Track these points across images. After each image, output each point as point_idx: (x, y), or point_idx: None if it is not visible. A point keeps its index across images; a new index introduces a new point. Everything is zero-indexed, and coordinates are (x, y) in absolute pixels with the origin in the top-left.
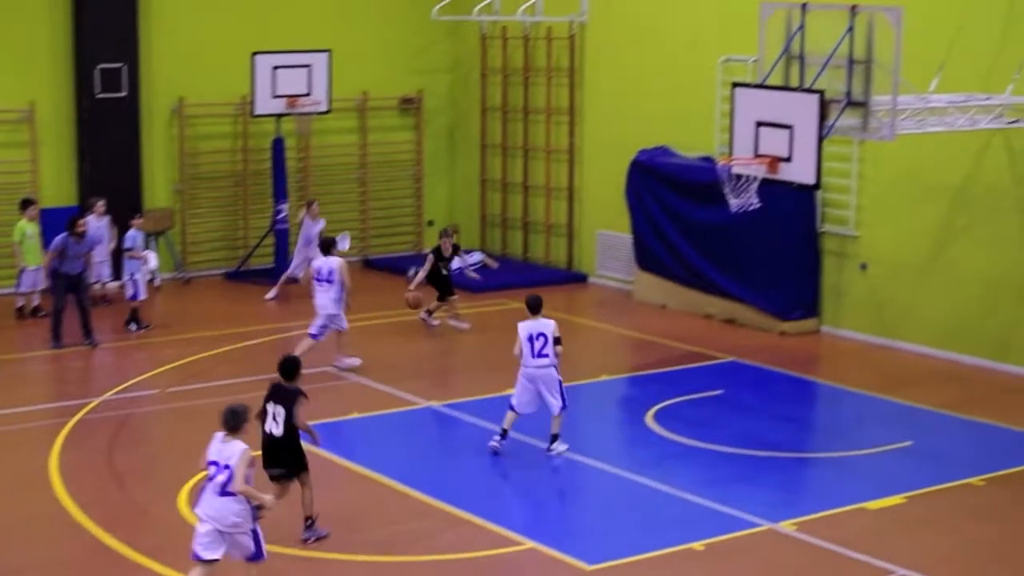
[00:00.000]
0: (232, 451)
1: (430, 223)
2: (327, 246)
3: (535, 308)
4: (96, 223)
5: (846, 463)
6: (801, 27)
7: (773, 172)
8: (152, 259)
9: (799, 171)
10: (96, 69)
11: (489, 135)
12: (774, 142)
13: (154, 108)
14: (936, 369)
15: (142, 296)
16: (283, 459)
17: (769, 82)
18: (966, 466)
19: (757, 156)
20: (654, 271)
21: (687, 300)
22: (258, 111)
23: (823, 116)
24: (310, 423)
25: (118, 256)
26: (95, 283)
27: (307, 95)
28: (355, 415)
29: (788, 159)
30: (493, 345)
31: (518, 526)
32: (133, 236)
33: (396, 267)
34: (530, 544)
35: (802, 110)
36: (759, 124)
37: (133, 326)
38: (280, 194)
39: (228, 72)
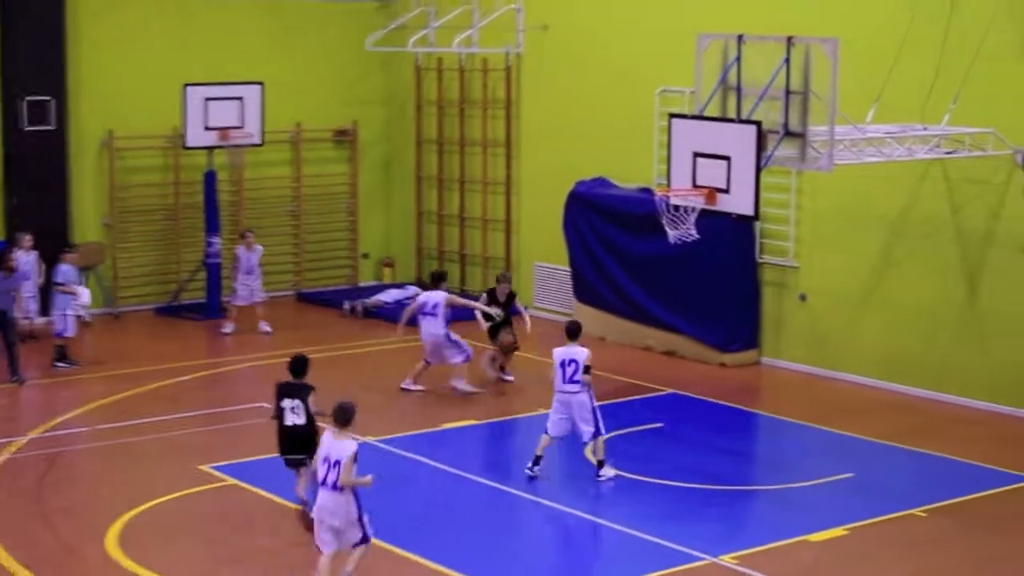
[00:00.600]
0: (343, 449)
1: (365, 256)
2: (436, 280)
3: (573, 334)
4: (24, 258)
5: (787, 495)
6: (738, 58)
7: (711, 203)
8: (84, 295)
9: (737, 202)
10: (23, 102)
11: (425, 167)
12: (712, 173)
13: (83, 141)
14: (877, 399)
15: (70, 332)
16: (305, 446)
17: (706, 113)
18: (908, 497)
19: (695, 187)
20: (592, 303)
21: (626, 332)
22: (190, 143)
23: (761, 147)
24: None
25: (46, 292)
26: (23, 319)
27: (240, 127)
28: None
29: (726, 190)
30: (438, 378)
31: (453, 562)
32: (65, 271)
33: (330, 301)
34: None
35: (739, 141)
36: (697, 155)
37: (62, 363)
38: (212, 227)
39: (159, 104)
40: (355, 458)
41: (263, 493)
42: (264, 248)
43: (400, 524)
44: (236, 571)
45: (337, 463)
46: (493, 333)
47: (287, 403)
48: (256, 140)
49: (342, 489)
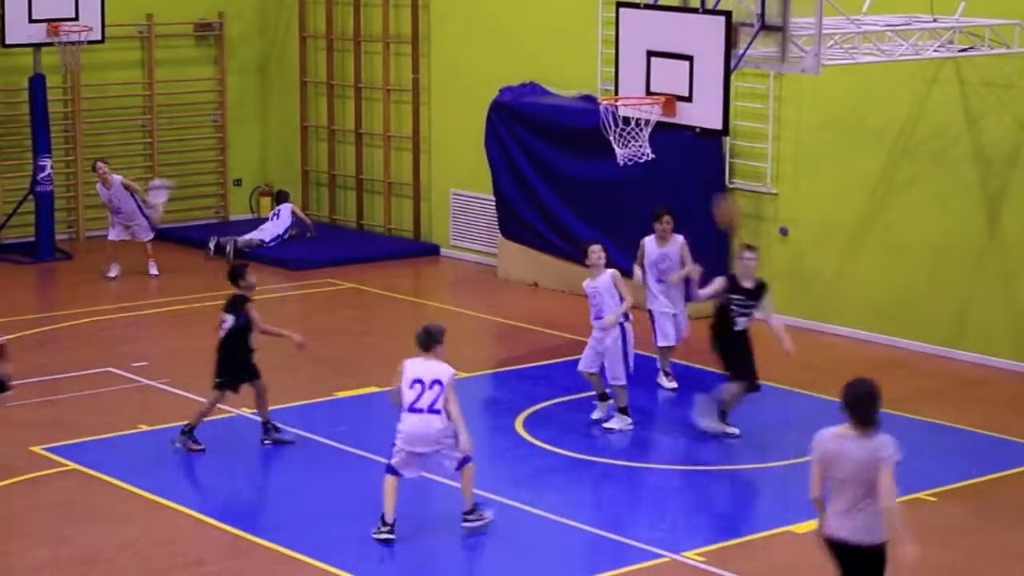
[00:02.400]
0: (440, 370)
1: (237, 182)
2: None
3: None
4: None
5: (766, 477)
6: None
7: (669, 114)
8: None
9: (702, 113)
10: None
11: (311, 70)
12: (670, 77)
13: None
14: (874, 357)
15: None
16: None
17: (663, 1)
18: (913, 478)
19: (649, 94)
20: (522, 241)
21: (563, 277)
22: (10, 39)
23: (731, 44)
24: None
25: None
26: None
27: (74, 19)
28: (143, 428)
29: (688, 98)
30: (317, 338)
31: (359, 566)
32: None
33: (194, 239)
34: None
35: (705, 36)
36: (651, 54)
37: None
38: (42, 146)
39: None
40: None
41: (107, 479)
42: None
43: (292, 521)
44: None
45: (435, 383)
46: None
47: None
48: (95, 36)
49: (439, 412)
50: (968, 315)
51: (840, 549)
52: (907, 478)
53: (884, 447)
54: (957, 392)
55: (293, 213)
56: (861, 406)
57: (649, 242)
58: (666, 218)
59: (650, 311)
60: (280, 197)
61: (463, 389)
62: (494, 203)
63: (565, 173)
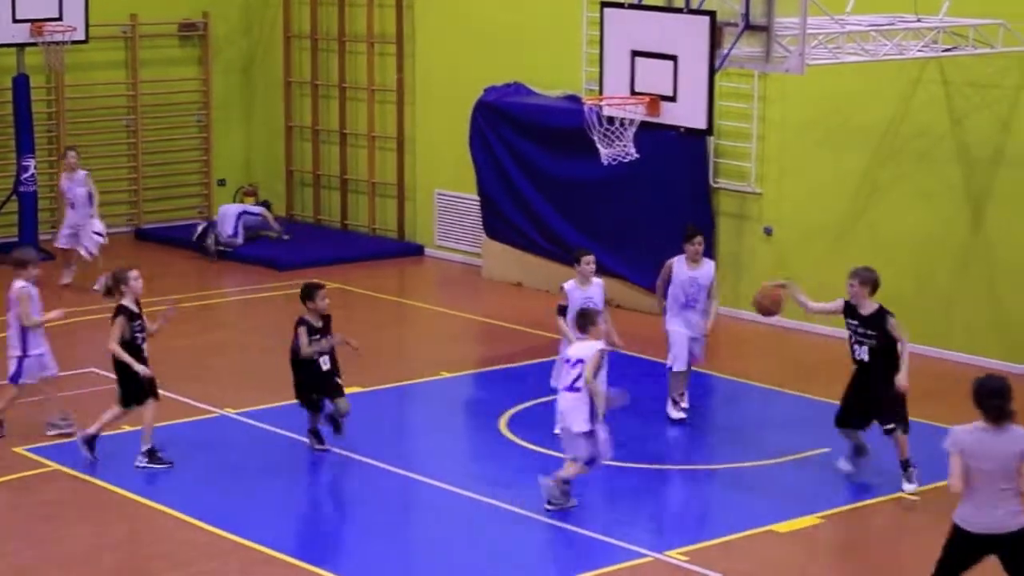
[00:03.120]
0: (588, 349)
1: (222, 183)
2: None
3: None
4: None
5: (748, 476)
6: None
7: (654, 114)
8: None
9: (686, 113)
10: None
11: (295, 70)
12: (655, 77)
13: None
14: None
15: None
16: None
17: (647, 1)
18: (898, 477)
19: (634, 94)
20: (507, 240)
21: (548, 276)
22: None
23: (715, 44)
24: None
25: None
26: None
27: (58, 19)
28: (126, 428)
29: (672, 98)
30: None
31: (340, 566)
32: None
33: (177, 238)
34: None
35: (689, 36)
36: (636, 54)
37: None
38: (25, 146)
39: None
40: (602, 359)
41: (89, 479)
42: (94, 174)
43: (272, 521)
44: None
45: (579, 362)
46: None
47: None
48: (79, 36)
49: (579, 389)
50: (953, 314)
51: (985, 542)
52: (891, 479)
53: (1023, 438)
54: (942, 391)
55: (262, 215)
56: (996, 399)
57: (678, 263)
58: (698, 239)
59: (667, 332)
60: (262, 205)
61: (447, 389)
62: (479, 203)
63: (550, 173)
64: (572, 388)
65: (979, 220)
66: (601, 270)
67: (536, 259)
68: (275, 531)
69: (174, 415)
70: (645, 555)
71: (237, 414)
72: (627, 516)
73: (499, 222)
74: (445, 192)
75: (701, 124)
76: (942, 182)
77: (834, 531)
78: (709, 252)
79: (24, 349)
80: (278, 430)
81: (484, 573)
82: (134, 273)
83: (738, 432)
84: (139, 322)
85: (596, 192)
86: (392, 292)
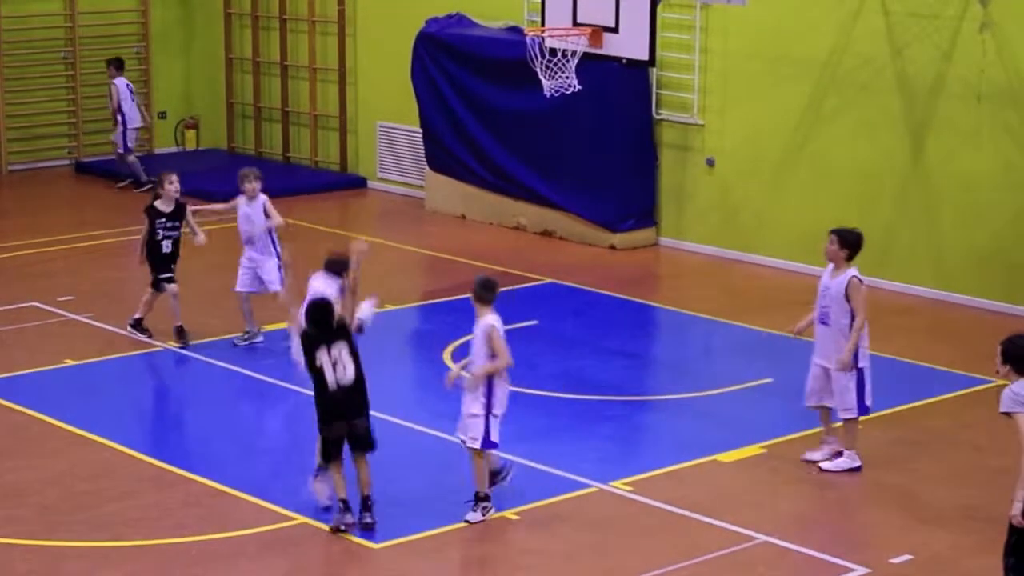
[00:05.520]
0: (476, 331)
1: (162, 115)
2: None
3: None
4: None
5: (692, 406)
6: None
7: (596, 45)
8: None
9: (628, 44)
10: None
11: (235, 1)
12: (597, 8)
13: None
14: (801, 287)
15: None
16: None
17: None
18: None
19: (576, 25)
20: (450, 173)
21: (492, 208)
22: None
23: None
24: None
25: None
26: None
27: None
28: (69, 363)
29: (614, 29)
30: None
31: (285, 499)
32: None
33: (117, 172)
34: (301, 519)
35: None
36: None
37: None
38: None
39: None
40: (495, 337)
41: (33, 414)
42: (30, 107)
43: (218, 454)
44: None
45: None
46: None
47: (328, 353)
48: None
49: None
50: (892, 244)
51: None
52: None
53: None
54: (880, 321)
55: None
56: None
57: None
58: (832, 237)
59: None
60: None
61: (391, 321)
62: (421, 135)
63: (492, 105)
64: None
65: (919, 150)
66: (543, 201)
67: (479, 191)
68: (218, 464)
69: (114, 349)
70: (590, 485)
71: (180, 348)
72: (571, 447)
73: (442, 154)
74: (387, 124)
75: (643, 55)
76: (883, 112)
77: (777, 460)
78: (651, 185)
79: None
80: (220, 363)
81: (429, 505)
82: (170, 177)
83: (681, 363)
84: (163, 220)
85: (539, 124)
86: (335, 225)
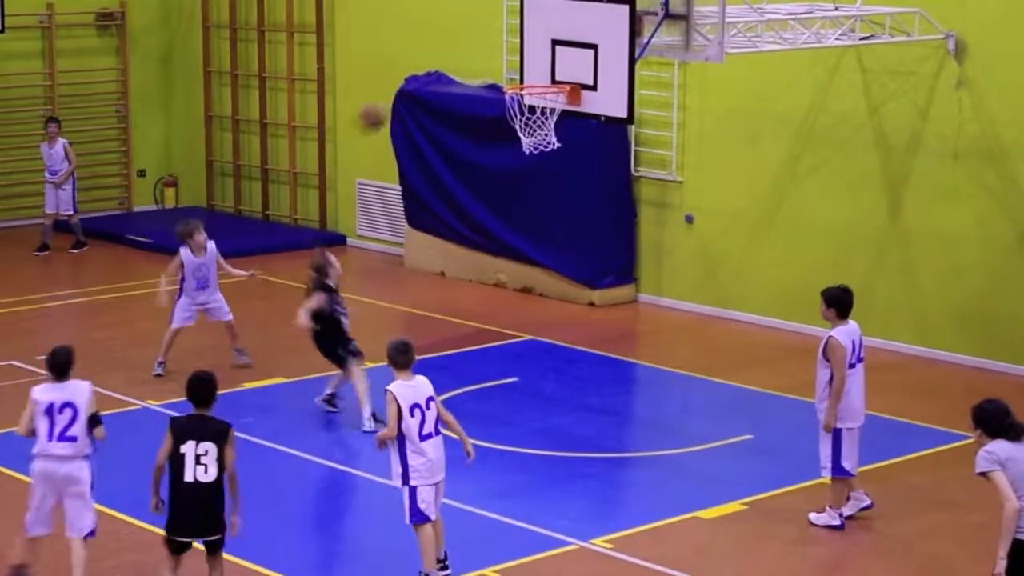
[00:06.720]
0: (427, 384)
1: (141, 173)
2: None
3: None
4: None
5: (673, 464)
6: None
7: (575, 103)
8: None
9: (607, 102)
10: None
11: (215, 60)
12: (575, 66)
13: None
14: (780, 344)
15: None
16: (213, 517)
17: None
18: (819, 463)
19: (555, 83)
20: (429, 230)
21: (471, 265)
22: None
23: (635, 32)
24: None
25: None
26: None
27: None
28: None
29: (593, 87)
30: (223, 329)
31: (265, 557)
32: None
33: (98, 230)
34: None
35: (609, 25)
36: (556, 43)
37: None
38: None
39: None
40: (396, 403)
41: (18, 476)
42: (11, 164)
43: None
44: None
45: (431, 400)
46: None
47: (192, 448)
48: None
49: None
50: (871, 301)
51: None
52: (814, 463)
53: None
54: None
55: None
56: (1011, 417)
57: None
58: (821, 299)
59: None
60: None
61: (369, 379)
62: (400, 193)
63: (471, 162)
64: (437, 431)
65: (896, 207)
66: (523, 258)
67: (458, 248)
68: None
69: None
70: (570, 543)
71: (159, 406)
72: (551, 504)
73: (421, 211)
74: (367, 182)
75: (622, 113)
76: (860, 170)
77: (757, 517)
78: (631, 242)
79: None
80: None
81: (407, 563)
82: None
83: (661, 420)
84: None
85: (518, 181)
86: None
